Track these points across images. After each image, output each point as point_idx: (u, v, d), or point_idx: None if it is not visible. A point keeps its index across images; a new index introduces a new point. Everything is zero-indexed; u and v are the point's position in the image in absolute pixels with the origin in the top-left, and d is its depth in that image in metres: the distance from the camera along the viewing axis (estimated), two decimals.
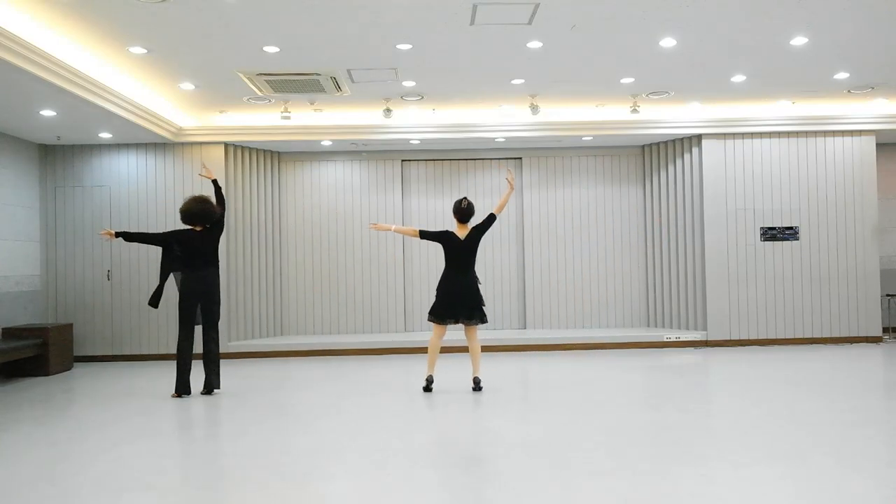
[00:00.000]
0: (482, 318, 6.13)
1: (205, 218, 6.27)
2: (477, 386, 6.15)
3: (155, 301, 6.30)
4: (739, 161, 8.98)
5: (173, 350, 8.62)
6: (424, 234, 6.29)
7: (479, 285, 6.24)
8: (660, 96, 7.95)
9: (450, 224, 9.63)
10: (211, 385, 6.35)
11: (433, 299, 6.28)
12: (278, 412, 5.68)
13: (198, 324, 6.31)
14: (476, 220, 6.30)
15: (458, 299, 6.07)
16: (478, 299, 6.13)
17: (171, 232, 6.35)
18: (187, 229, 6.31)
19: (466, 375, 6.88)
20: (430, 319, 6.19)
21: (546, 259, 9.63)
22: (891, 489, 3.47)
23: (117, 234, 6.20)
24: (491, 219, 6.27)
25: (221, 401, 6.24)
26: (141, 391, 6.64)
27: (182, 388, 6.23)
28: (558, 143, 9.33)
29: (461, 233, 6.22)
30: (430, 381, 6.13)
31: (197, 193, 6.63)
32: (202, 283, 6.23)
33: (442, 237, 6.24)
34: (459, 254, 6.16)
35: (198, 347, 6.41)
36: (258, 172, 9.29)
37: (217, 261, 6.37)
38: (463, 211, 6.19)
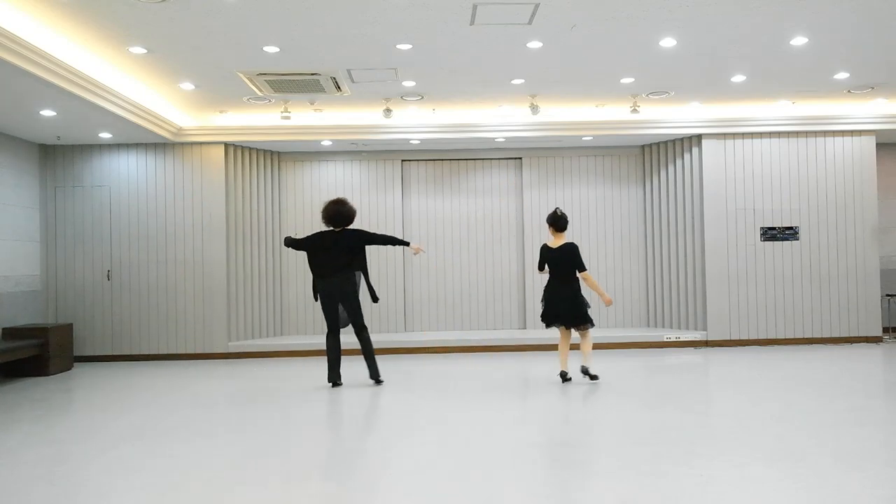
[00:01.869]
0: (584, 323, 6.29)
1: (339, 220, 6.51)
2: (586, 373, 6.36)
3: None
4: (739, 161, 8.98)
5: (173, 350, 8.70)
6: (541, 267, 6.51)
7: (579, 293, 6.36)
8: (660, 96, 7.95)
9: (448, 225, 9.73)
10: (372, 376, 6.63)
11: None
12: (277, 412, 5.68)
13: (343, 326, 6.58)
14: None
15: (556, 307, 6.31)
16: (575, 306, 6.28)
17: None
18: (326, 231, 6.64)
19: (474, 375, 6.91)
20: (547, 326, 6.49)
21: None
22: (890, 489, 3.47)
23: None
24: (582, 267, 6.34)
25: (220, 401, 6.24)
26: (141, 391, 6.64)
27: (331, 378, 6.55)
28: (558, 143, 9.33)
29: (555, 242, 6.38)
30: (563, 375, 6.40)
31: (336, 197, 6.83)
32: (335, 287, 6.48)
33: (542, 254, 6.47)
34: (552, 263, 6.37)
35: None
36: (258, 172, 9.30)
37: (350, 266, 6.51)
38: (558, 220, 6.37)
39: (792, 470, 3.78)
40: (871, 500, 3.30)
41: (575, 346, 6.55)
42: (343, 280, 6.40)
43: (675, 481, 3.67)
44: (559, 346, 6.48)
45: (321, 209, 6.59)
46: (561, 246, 6.34)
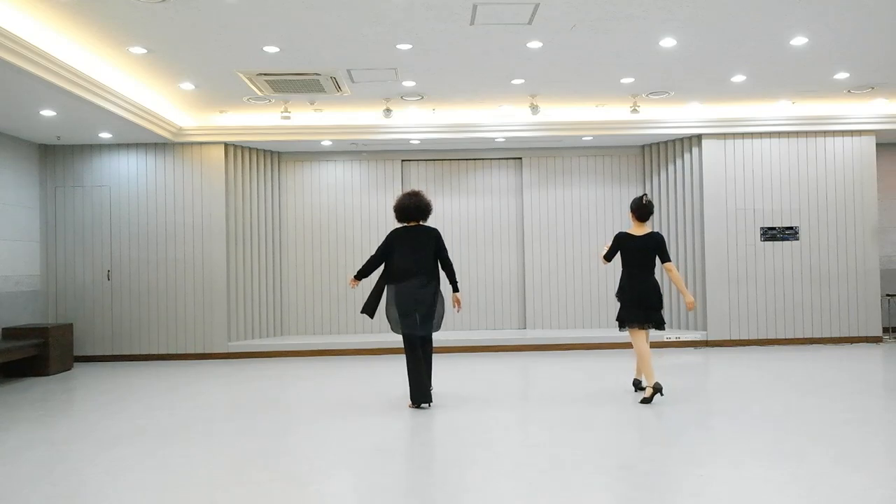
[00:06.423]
0: (656, 324, 5.68)
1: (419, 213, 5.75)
2: (637, 387, 5.94)
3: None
4: (739, 161, 8.98)
5: (173, 350, 8.70)
6: (608, 257, 5.90)
7: (660, 289, 5.82)
8: (660, 96, 7.95)
9: (448, 225, 9.72)
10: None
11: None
12: (277, 412, 5.68)
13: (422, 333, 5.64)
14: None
15: (638, 301, 5.67)
16: (654, 304, 5.69)
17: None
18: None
19: (474, 375, 6.90)
20: (620, 328, 5.79)
21: (546, 259, 9.63)
22: (890, 488, 3.47)
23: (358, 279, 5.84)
24: (665, 257, 5.74)
25: (222, 401, 6.24)
26: (141, 391, 6.64)
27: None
28: (558, 143, 9.33)
29: (638, 231, 5.78)
30: (656, 388, 5.50)
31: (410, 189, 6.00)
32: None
33: (616, 242, 5.84)
34: (634, 254, 5.75)
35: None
36: (258, 172, 9.29)
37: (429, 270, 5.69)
38: (643, 208, 5.74)
39: (792, 470, 3.78)
40: (871, 500, 3.30)
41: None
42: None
43: (675, 481, 3.67)
44: (645, 352, 5.64)
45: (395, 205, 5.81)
46: (647, 234, 5.74)
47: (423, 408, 5.51)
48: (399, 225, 5.80)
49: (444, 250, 5.72)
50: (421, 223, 5.74)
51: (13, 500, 3.59)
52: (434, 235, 5.69)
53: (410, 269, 5.55)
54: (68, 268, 8.68)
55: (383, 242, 5.73)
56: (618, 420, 5.07)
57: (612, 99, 8.04)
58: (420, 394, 5.48)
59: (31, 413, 5.79)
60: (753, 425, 4.78)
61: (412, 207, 5.68)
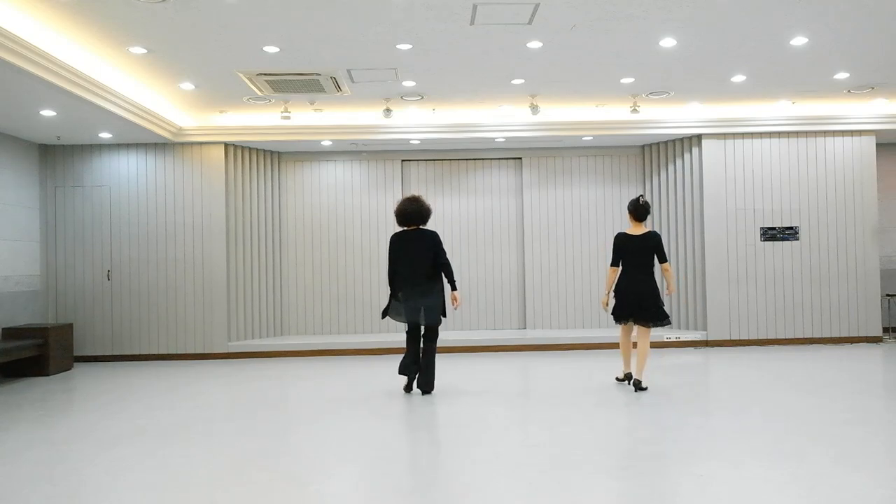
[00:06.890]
0: (653, 320, 5.93)
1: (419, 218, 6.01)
2: (637, 387, 5.96)
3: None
4: (739, 161, 8.98)
5: (173, 350, 8.70)
6: (614, 262, 6.12)
7: (657, 287, 6.03)
8: (660, 96, 7.95)
9: (448, 226, 9.73)
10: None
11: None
12: (277, 412, 5.68)
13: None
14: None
15: (628, 298, 5.96)
16: (657, 300, 5.94)
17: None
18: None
19: (474, 374, 6.89)
20: (616, 321, 6.16)
21: (546, 259, 9.63)
22: (890, 488, 3.47)
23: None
24: (663, 258, 6.00)
25: (222, 401, 6.24)
26: (141, 391, 6.64)
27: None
28: (558, 143, 9.33)
29: (636, 231, 6.04)
30: (627, 376, 6.23)
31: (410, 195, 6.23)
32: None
33: (616, 244, 6.10)
34: (632, 253, 5.98)
35: None
36: (258, 172, 9.29)
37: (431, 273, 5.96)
38: (640, 208, 6.01)
39: (792, 470, 3.78)
40: (871, 500, 3.30)
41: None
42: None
43: (675, 481, 3.67)
44: (622, 346, 6.22)
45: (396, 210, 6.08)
46: (644, 234, 6.00)
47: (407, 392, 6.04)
48: (399, 229, 6.11)
49: (443, 253, 5.98)
50: (420, 227, 6.02)
51: (13, 500, 3.59)
52: (431, 238, 5.96)
53: (409, 272, 5.88)
54: (68, 268, 8.68)
55: (389, 251, 6.08)
56: (618, 420, 5.07)
57: (612, 99, 8.04)
58: (402, 367, 5.98)
59: (31, 413, 5.79)
60: (753, 425, 4.78)
61: (412, 213, 5.99)
